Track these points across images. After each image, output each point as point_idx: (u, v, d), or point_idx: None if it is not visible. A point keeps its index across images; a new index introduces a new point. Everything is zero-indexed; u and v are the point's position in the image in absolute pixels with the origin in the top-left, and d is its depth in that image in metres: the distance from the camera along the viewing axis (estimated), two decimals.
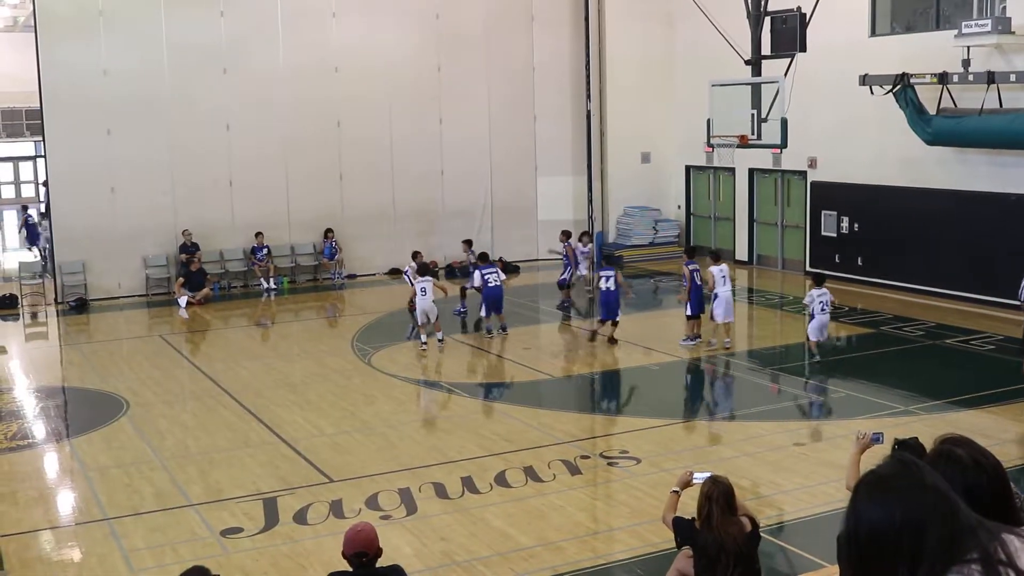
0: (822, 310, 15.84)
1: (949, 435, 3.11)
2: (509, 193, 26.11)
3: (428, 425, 13.41)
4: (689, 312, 17.18)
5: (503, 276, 18.50)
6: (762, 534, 9.51)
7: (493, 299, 18.08)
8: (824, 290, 15.97)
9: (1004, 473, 2.93)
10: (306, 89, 23.67)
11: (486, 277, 18.07)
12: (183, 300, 21.66)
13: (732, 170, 24.73)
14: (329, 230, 24.09)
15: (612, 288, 17.18)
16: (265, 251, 23.46)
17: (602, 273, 17.56)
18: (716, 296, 16.74)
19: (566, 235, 21.86)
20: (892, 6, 21.97)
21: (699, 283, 17.13)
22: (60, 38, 21.90)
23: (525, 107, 26.20)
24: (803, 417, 13.69)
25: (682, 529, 7.19)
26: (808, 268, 23.05)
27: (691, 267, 17.24)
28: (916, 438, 6.18)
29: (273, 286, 23.41)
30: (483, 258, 19.48)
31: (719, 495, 7.03)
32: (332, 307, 22.52)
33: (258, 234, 23.37)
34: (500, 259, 24.79)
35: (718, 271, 16.85)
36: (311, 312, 22.14)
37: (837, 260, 22.18)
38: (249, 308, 22.33)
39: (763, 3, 19.05)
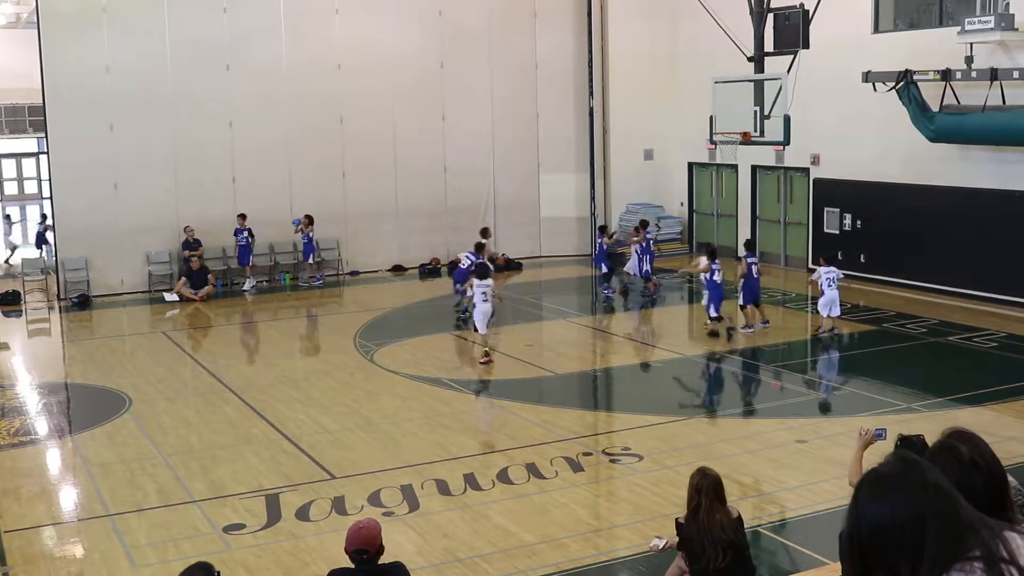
0: (829, 286, 16.92)
1: (957, 429, 3.11)
2: (512, 190, 26.11)
3: (430, 422, 13.41)
4: (741, 302, 17.72)
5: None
6: (765, 531, 9.57)
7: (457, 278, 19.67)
8: (831, 268, 17.14)
9: (1002, 474, 2.93)
10: (309, 85, 23.66)
11: (463, 258, 19.64)
12: (171, 296, 21.90)
13: (735, 167, 24.72)
14: (309, 217, 23.34)
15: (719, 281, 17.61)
16: (246, 234, 22.91)
17: (714, 266, 17.63)
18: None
19: (644, 225, 21.82)
20: (895, 2, 21.93)
21: (756, 276, 17.67)
22: (63, 35, 21.90)
23: (528, 104, 26.19)
24: (805, 414, 13.67)
25: (681, 530, 7.21)
26: (811, 266, 23.03)
27: (750, 260, 17.80)
28: (921, 436, 6.13)
29: (249, 287, 22.91)
30: (476, 246, 19.89)
31: (708, 487, 7.05)
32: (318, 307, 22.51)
33: (241, 216, 22.91)
34: (503, 255, 24.81)
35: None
36: (314, 308, 22.14)
37: (840, 257, 22.12)
38: (252, 305, 22.33)
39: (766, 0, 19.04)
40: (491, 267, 18.66)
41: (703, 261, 18.04)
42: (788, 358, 16.69)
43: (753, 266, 17.76)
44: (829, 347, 17.14)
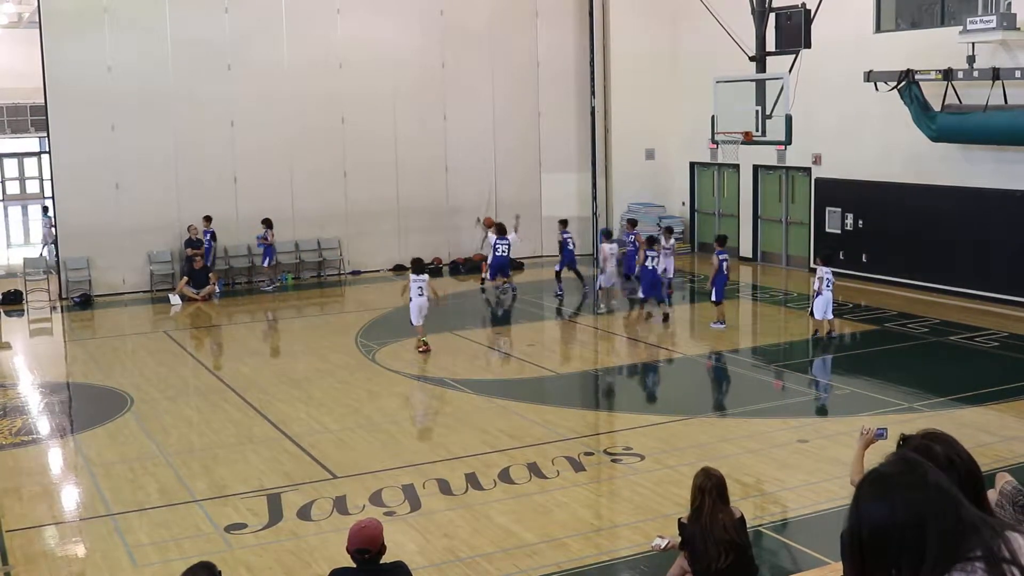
0: (827, 287, 16.77)
1: (930, 430, 3.14)
2: (513, 189, 26.08)
3: (432, 421, 13.41)
4: (715, 298, 18.05)
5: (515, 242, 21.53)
6: (766, 531, 9.57)
7: (499, 266, 21.10)
8: (828, 268, 17.03)
9: (978, 475, 2.95)
10: (310, 85, 23.66)
11: (496, 246, 20.98)
12: (174, 298, 21.75)
13: (736, 167, 24.72)
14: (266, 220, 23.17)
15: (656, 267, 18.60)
16: (209, 236, 22.50)
17: (649, 253, 18.79)
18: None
19: (632, 224, 21.89)
20: (897, 2, 21.93)
21: (726, 273, 18.12)
22: (64, 34, 21.91)
23: (529, 103, 26.19)
24: (807, 413, 13.67)
25: (683, 529, 7.22)
26: (812, 265, 23.02)
27: (721, 256, 18.13)
28: None
29: (218, 290, 22.46)
30: (500, 229, 21.35)
31: (712, 487, 7.06)
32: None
33: (206, 218, 22.54)
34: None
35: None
36: (315, 308, 22.15)
37: (841, 257, 22.15)
38: (253, 304, 22.34)
39: None
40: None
41: (605, 248, 19.71)
42: (789, 358, 16.69)
43: (724, 262, 18.06)
44: (830, 347, 17.12)
